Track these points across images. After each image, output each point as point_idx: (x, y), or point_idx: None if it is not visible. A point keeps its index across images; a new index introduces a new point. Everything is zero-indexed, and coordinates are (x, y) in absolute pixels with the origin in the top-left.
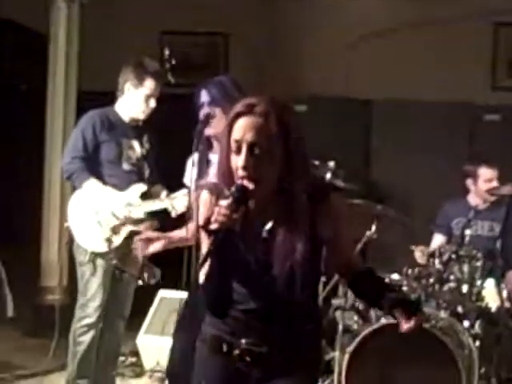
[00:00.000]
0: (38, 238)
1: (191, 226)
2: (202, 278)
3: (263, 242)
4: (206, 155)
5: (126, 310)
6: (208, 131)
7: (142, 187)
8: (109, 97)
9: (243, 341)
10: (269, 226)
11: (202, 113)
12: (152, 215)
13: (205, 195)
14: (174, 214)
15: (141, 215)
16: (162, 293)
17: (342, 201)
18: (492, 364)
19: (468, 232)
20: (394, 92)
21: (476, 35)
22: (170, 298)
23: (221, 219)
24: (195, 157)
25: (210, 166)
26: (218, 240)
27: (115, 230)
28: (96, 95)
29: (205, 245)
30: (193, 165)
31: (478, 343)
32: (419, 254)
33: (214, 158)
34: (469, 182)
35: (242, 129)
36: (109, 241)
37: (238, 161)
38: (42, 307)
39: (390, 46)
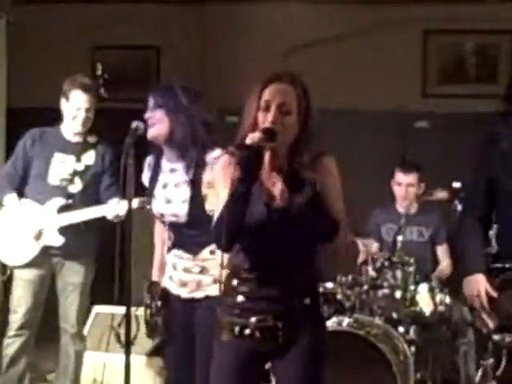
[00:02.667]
0: None
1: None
2: (221, 205)
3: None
4: (158, 160)
5: (67, 320)
6: (151, 134)
7: (59, 201)
8: (39, 113)
9: (252, 319)
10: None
11: (145, 117)
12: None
13: (224, 158)
14: (110, 217)
15: (55, 228)
16: (97, 308)
17: (334, 162)
18: (427, 368)
19: (400, 238)
20: (327, 100)
21: (406, 43)
22: (105, 313)
23: (256, 136)
24: (149, 159)
25: (160, 172)
26: (248, 155)
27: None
28: (26, 112)
29: None
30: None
31: (413, 349)
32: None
33: (165, 165)
34: (392, 185)
35: (272, 92)
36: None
37: (266, 117)
38: None
39: (322, 54)
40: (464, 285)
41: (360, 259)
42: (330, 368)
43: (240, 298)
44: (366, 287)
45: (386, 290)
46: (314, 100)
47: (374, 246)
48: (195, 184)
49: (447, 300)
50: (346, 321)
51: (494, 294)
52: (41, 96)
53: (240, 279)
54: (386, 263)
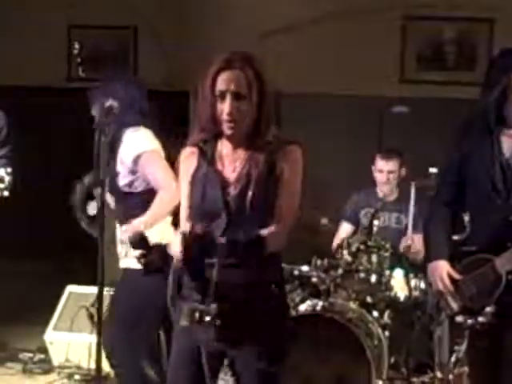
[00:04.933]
0: None
1: None
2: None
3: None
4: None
5: None
6: None
7: None
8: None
9: (213, 306)
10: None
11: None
12: None
13: (185, 151)
14: None
15: None
16: (70, 288)
17: (300, 153)
18: (401, 353)
19: (376, 223)
20: (304, 85)
21: (385, 28)
22: (79, 293)
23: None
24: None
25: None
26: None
27: None
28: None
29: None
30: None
31: (387, 333)
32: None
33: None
34: (373, 171)
35: (225, 81)
36: None
37: (223, 108)
38: None
39: (299, 38)
40: (428, 271)
41: (335, 243)
42: (304, 352)
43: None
44: (341, 271)
45: (361, 274)
46: (294, 83)
47: (349, 229)
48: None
49: (422, 285)
50: (320, 304)
51: (457, 277)
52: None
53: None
54: (362, 247)
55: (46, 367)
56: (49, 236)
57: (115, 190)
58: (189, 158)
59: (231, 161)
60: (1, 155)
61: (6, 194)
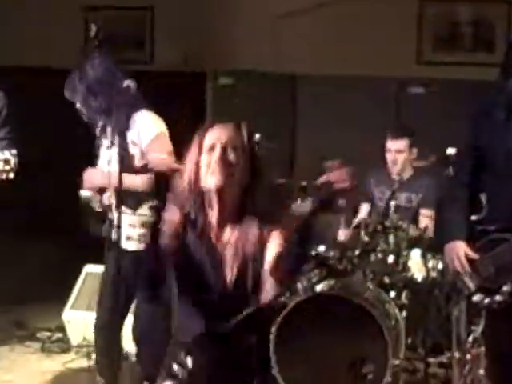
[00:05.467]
0: None
1: None
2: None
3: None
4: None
5: None
6: None
7: None
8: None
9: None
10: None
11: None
12: None
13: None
14: None
15: None
16: (88, 267)
17: (290, 225)
18: (418, 334)
19: (393, 203)
20: (321, 67)
21: (402, 9)
22: (96, 273)
23: None
24: None
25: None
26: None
27: None
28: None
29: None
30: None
31: (404, 314)
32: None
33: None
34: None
35: (217, 132)
36: None
37: (211, 159)
38: None
39: (315, 20)
40: (445, 252)
41: (353, 223)
42: (321, 332)
43: None
44: (358, 251)
45: (378, 255)
46: (310, 65)
47: (366, 210)
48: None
49: (440, 266)
50: (337, 285)
51: (474, 257)
52: (37, 55)
53: None
54: (379, 228)
55: (64, 346)
56: (68, 214)
57: (130, 171)
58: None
59: (220, 233)
60: (1, 137)
61: (11, 176)
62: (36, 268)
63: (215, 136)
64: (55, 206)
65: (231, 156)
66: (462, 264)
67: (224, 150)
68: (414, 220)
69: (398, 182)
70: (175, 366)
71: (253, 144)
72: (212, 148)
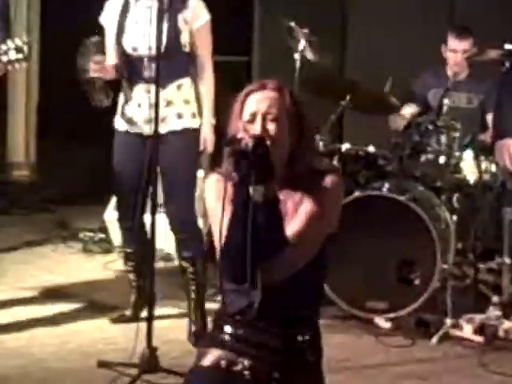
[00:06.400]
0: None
1: None
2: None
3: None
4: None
5: None
6: None
7: None
8: None
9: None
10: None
11: None
12: None
13: (213, 178)
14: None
15: None
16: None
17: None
18: (469, 239)
19: (446, 102)
20: None
21: None
22: None
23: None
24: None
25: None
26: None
27: None
28: None
29: None
30: None
31: (455, 217)
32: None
33: (139, 3)
34: (443, 50)
35: (256, 102)
36: None
37: (252, 130)
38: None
39: None
40: (496, 151)
41: (403, 123)
42: (369, 233)
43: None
44: (408, 151)
45: (429, 156)
46: None
47: (416, 109)
48: (171, 18)
49: (493, 168)
50: (386, 185)
51: None
52: None
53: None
54: (431, 127)
55: (106, 247)
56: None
57: (170, 47)
58: (218, 185)
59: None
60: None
61: (24, 65)
62: (81, 169)
63: (254, 104)
64: (105, 110)
65: (271, 118)
66: None
67: (264, 116)
68: (482, 123)
69: (454, 82)
70: (224, 336)
71: (298, 107)
72: (253, 119)
